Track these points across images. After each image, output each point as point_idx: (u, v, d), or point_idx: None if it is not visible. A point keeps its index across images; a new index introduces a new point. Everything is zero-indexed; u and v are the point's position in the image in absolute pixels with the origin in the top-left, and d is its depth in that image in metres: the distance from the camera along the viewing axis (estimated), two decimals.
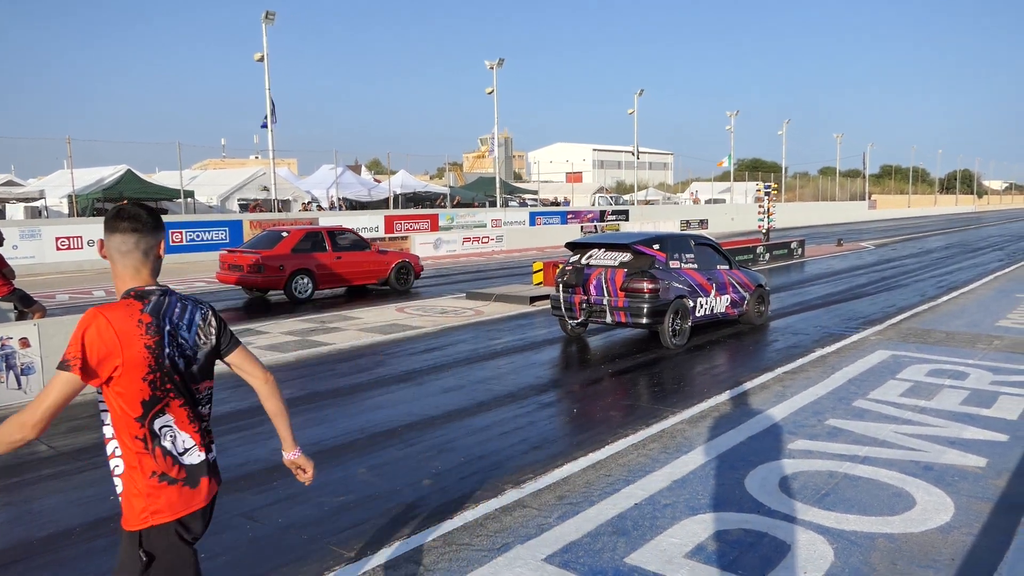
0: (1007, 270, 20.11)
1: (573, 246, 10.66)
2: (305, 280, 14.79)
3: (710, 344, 10.35)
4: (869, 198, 78.09)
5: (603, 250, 10.20)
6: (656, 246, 10.11)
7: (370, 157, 78.40)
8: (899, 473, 5.40)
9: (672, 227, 40.91)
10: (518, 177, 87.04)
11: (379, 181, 42.84)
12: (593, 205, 47.64)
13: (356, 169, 51.40)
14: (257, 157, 52.42)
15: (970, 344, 10.02)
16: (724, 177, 62.36)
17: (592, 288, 9.91)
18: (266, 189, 32.92)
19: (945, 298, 14.61)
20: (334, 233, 15.62)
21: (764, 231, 25.09)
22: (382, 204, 36.35)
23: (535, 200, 48.59)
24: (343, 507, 4.99)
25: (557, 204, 49.27)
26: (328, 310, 13.67)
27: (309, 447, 6.17)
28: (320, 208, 35.34)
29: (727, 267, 11.22)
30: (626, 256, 9.96)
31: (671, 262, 10.12)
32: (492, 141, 38.06)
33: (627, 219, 39.08)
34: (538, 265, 16.54)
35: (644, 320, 9.63)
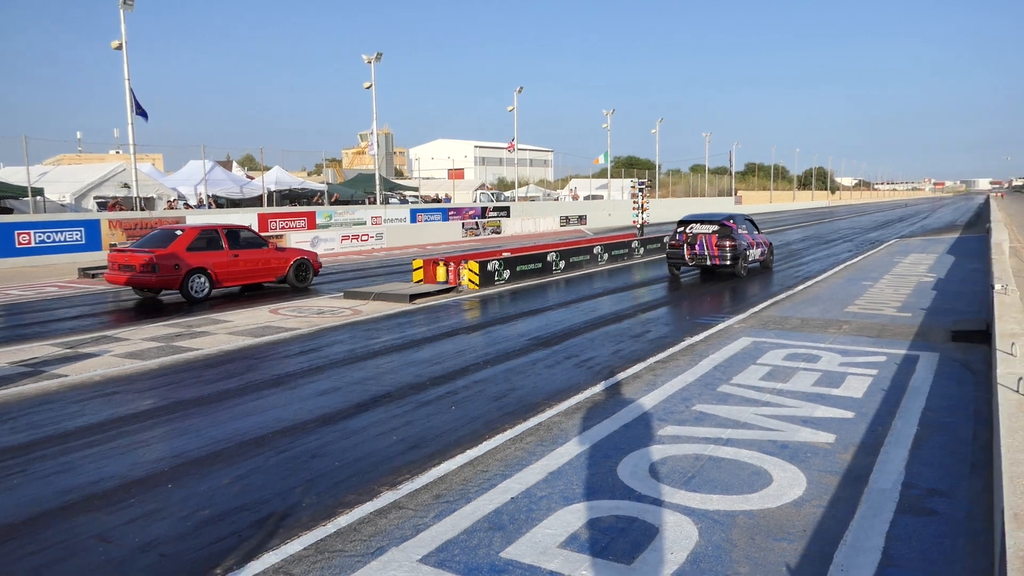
0: (855, 260, 21.77)
1: (682, 223, 17.40)
2: (202, 279, 14.53)
3: (590, 340, 10.60)
4: (735, 194, 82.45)
5: (700, 224, 16.94)
6: (731, 221, 17.00)
7: (242, 153, 75.21)
8: (758, 453, 5.72)
9: (552, 223, 41.67)
10: (399, 174, 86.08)
11: (252, 178, 41.20)
12: (475, 202, 47.76)
13: (227, 165, 49.21)
14: (118, 152, 49.19)
15: (822, 329, 10.77)
16: (602, 174, 64.16)
17: (696, 247, 16.58)
18: (127, 186, 30.94)
19: (801, 287, 15.63)
20: (231, 231, 15.37)
21: (639, 226, 25.96)
22: (255, 202, 34.98)
23: (416, 197, 48.22)
24: (207, 521, 4.75)
25: (438, 201, 49.10)
26: (196, 314, 13.01)
27: (171, 459, 5.85)
28: (188, 206, 33.59)
29: (757, 233, 18.25)
30: (715, 227, 16.67)
31: (739, 230, 16.90)
32: (372, 137, 37.41)
33: (508, 215, 39.43)
34: (418, 263, 16.41)
35: (728, 263, 16.33)
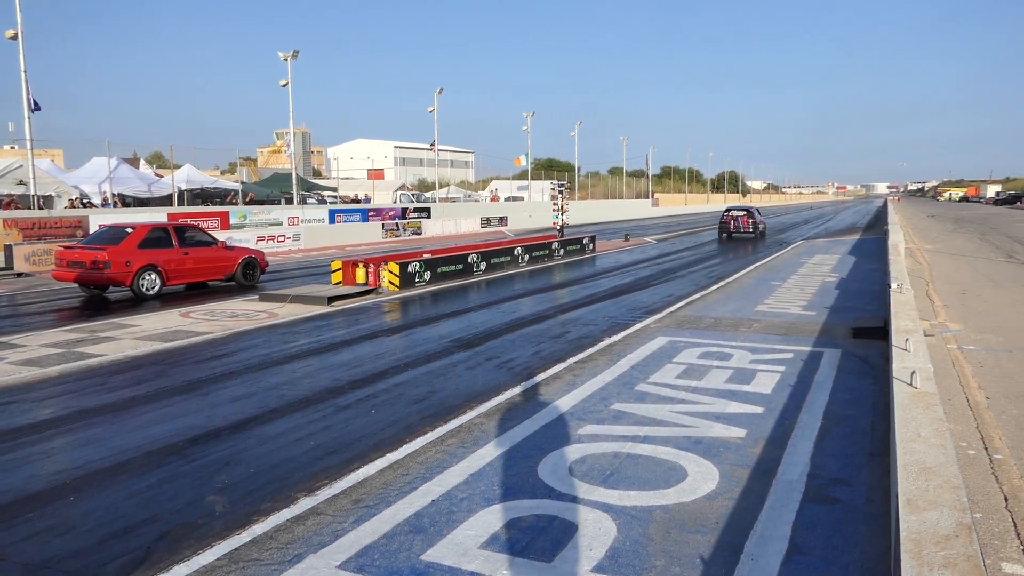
0: (765, 260, 22.64)
1: (727, 210, 33.03)
2: (152, 276, 14.79)
3: (511, 341, 10.66)
4: (652, 196, 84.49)
5: (736, 211, 32.54)
6: (749, 210, 33.25)
7: (151, 150, 72.11)
8: (674, 449, 5.88)
9: (473, 224, 41.71)
10: (317, 173, 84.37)
11: (161, 176, 39.57)
12: (395, 202, 47.30)
13: (134, 162, 47.09)
14: (14, 147, 46.37)
15: (734, 328, 11.16)
16: (523, 176, 64.56)
17: (733, 223, 31.96)
18: (23, 183, 29.21)
19: (714, 287, 16.15)
20: (180, 228, 15.69)
21: (559, 227, 26.27)
22: (165, 201, 33.62)
23: (335, 197, 47.36)
24: (113, 535, 4.54)
25: (358, 201, 48.38)
26: (100, 318, 12.41)
27: (73, 471, 5.57)
28: (91, 205, 31.99)
29: (759, 217, 33.21)
30: (744, 212, 32.34)
31: (755, 212, 33.18)
32: (288, 135, 36.53)
33: (429, 216, 39.22)
34: (337, 264, 16.14)
35: (752, 233, 31.58)
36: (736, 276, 18.32)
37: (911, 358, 6.14)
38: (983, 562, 2.83)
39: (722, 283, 16.90)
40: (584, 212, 55.72)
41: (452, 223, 40.06)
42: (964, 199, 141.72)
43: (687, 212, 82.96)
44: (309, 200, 42.91)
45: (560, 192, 26.57)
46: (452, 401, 7.40)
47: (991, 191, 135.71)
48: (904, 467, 3.75)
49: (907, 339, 6.57)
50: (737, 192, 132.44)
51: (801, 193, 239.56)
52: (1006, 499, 4.88)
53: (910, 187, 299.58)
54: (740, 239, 32.69)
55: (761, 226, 33.94)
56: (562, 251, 23.81)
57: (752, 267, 20.63)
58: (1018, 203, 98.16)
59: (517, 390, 7.74)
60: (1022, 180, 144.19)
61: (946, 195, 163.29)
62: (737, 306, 13.37)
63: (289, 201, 37.34)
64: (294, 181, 36.81)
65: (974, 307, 12.80)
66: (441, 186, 60.21)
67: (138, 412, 7.12)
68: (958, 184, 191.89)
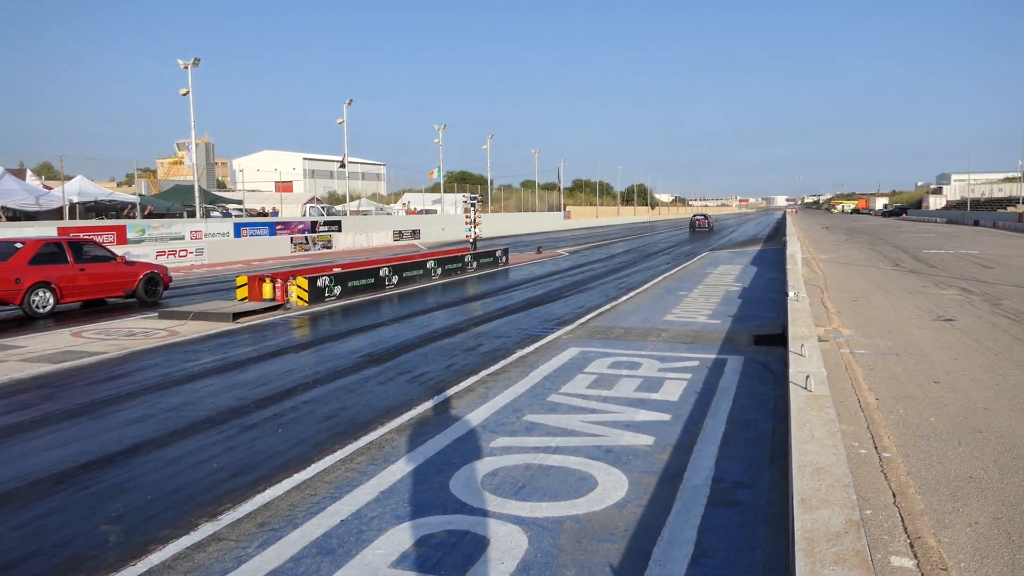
0: (673, 271, 23.34)
1: (695, 215, 59.42)
2: (45, 294, 14.13)
3: (423, 355, 10.58)
4: (564, 209, 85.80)
5: (699, 216, 58.45)
6: (708, 215, 62.87)
7: (39, 160, 68.23)
8: (585, 459, 5.96)
9: (385, 238, 41.29)
10: (221, 185, 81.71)
11: (50, 188, 37.45)
12: (304, 215, 46.31)
13: (20, 173, 44.37)
14: None
15: (643, 338, 11.44)
16: (435, 188, 64.43)
17: (698, 222, 56.54)
18: None
19: (624, 298, 16.52)
20: (75, 243, 15.09)
21: (472, 240, 26.33)
22: (55, 214, 31.81)
23: (240, 210, 45.96)
24: None
25: (265, 215, 47.13)
26: None
27: None
28: None
29: (711, 219, 63.66)
30: (704, 217, 58.34)
31: (709, 216, 61.70)
32: (190, 146, 35.25)
33: (339, 230, 38.59)
34: (243, 279, 15.65)
35: (707, 229, 56.02)
36: (646, 287, 18.79)
37: (806, 363, 6.45)
38: (871, 557, 3.00)
39: (632, 294, 17.30)
40: (497, 225, 56.05)
41: (364, 236, 39.56)
42: (855, 211, 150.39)
43: (598, 224, 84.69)
44: (213, 213, 41.50)
45: (473, 205, 26.64)
46: (363, 417, 7.28)
47: (879, 203, 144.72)
48: (799, 468, 3.93)
49: (802, 345, 6.89)
50: (646, 205, 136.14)
51: (707, 206, 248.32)
52: (894, 495, 5.18)
53: (807, 200, 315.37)
54: (701, 234, 52.66)
55: (711, 224, 59.47)
56: (475, 264, 23.85)
57: (661, 278, 21.21)
58: (904, 215, 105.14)
59: (429, 404, 7.68)
60: (907, 193, 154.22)
61: (839, 207, 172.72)
62: (646, 316, 13.71)
63: (192, 214, 35.99)
64: (196, 193, 35.52)
65: (864, 313, 13.56)
66: (352, 199, 59.40)
67: (23, 438, 6.68)
68: (850, 197, 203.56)
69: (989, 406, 7.32)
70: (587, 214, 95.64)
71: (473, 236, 26.32)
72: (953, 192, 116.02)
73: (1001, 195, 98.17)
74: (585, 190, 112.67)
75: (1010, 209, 70.52)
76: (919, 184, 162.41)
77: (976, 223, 65.23)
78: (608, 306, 15.16)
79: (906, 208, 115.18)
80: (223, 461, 6.07)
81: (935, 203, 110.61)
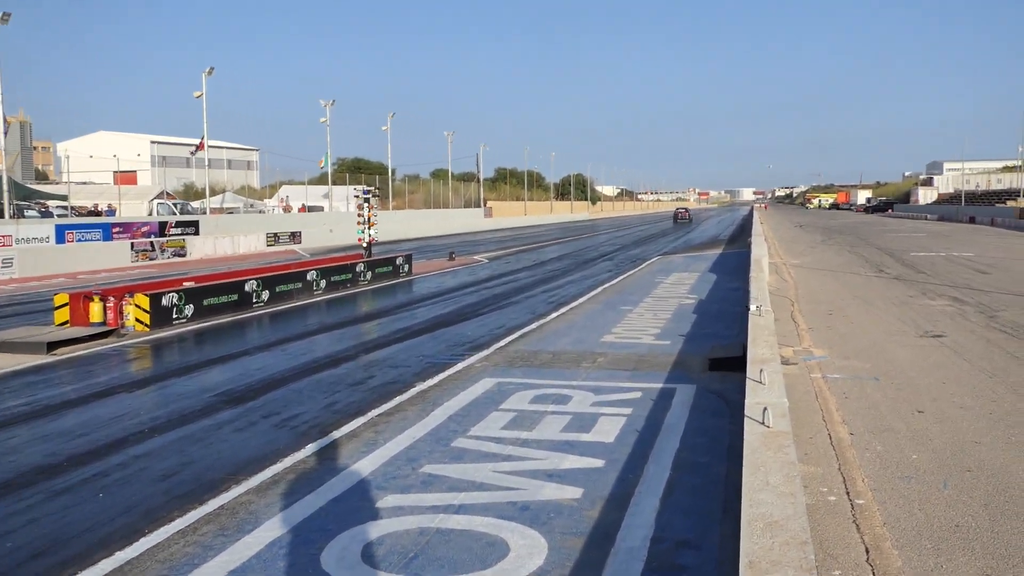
0: (615, 281, 23.69)
1: (677, 209, 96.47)
2: None
3: (297, 391, 10.39)
4: (484, 205, 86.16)
5: (681, 210, 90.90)
6: (688, 208, 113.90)
7: None
8: (495, 519, 5.92)
9: (257, 242, 40.55)
10: (42, 176, 78.71)
11: None
12: (151, 214, 45.01)
13: None
14: None
15: (575, 364, 11.52)
16: (322, 180, 63.70)
17: (679, 215, 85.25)
18: None
19: (555, 314, 16.64)
20: None
21: (366, 245, 26.07)
22: None
23: (65, 208, 44.29)
24: None
25: (99, 214, 45.64)
26: None
27: None
28: None
29: (691, 212, 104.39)
30: (685, 210, 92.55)
31: (688, 210, 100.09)
32: None
33: (197, 232, 37.66)
34: (63, 298, 15.01)
35: (688, 220, 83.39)
36: (581, 300, 18.98)
37: (765, 392, 6.58)
38: None
39: (564, 309, 17.44)
40: (400, 225, 55.82)
41: (228, 241, 38.75)
42: (834, 206, 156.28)
43: (528, 224, 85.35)
44: (28, 212, 39.89)
45: (367, 200, 26.41)
46: (213, 474, 7.05)
47: (862, 197, 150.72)
48: (749, 523, 3.97)
49: (762, 370, 7.04)
50: (585, 199, 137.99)
51: (659, 200, 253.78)
52: (867, 551, 5.32)
53: (778, 192, 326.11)
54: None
55: (691, 217, 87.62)
56: (370, 274, 23.65)
57: (600, 289, 21.48)
58: (889, 210, 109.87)
59: (302, 455, 7.52)
60: (893, 185, 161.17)
61: (815, 202, 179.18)
62: (580, 337, 13.83)
63: None
64: (4, 187, 34.04)
65: (841, 329, 14.03)
66: (214, 193, 58.13)
67: None
68: (828, 189, 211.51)
69: (980, 439, 7.64)
70: (513, 211, 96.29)
71: (368, 239, 26.07)
72: (945, 183, 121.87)
73: (1000, 187, 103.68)
74: (511, 181, 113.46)
75: (1009, 204, 74.49)
76: (907, 175, 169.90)
77: (972, 220, 68.62)
78: (534, 325, 15.22)
79: (892, 202, 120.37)
80: (22, 538, 5.76)
81: (925, 196, 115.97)
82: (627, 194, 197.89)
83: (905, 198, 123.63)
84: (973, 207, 79.57)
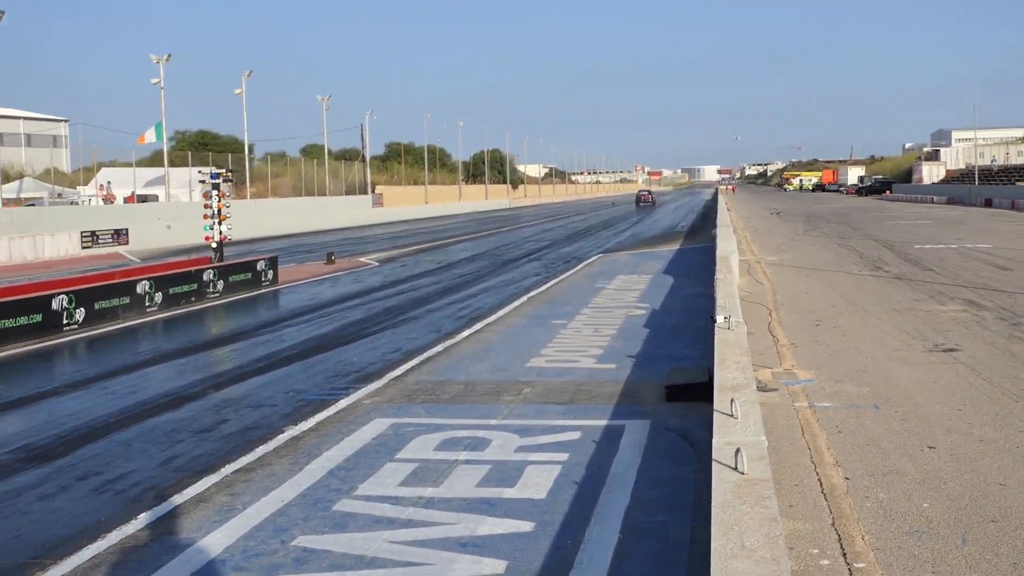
0: (544, 288, 23.82)
1: (640, 191, 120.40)
2: None
3: (125, 444, 10.18)
4: (373, 191, 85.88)
5: (644, 192, 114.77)
6: (652, 191, 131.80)
7: None
8: None
9: (69, 243, 39.62)
10: None
11: None
12: None
13: None
14: None
15: (494, 397, 11.53)
16: (156, 160, 62.57)
17: (642, 197, 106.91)
18: None
19: (467, 333, 16.65)
20: None
21: (215, 245, 25.64)
22: None
23: None
24: None
25: None
26: None
27: None
28: None
29: (655, 193, 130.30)
30: (648, 192, 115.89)
31: (652, 192, 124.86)
32: None
33: None
34: None
35: (652, 204, 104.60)
36: (501, 314, 19.02)
37: (738, 428, 6.66)
38: None
39: (479, 326, 17.45)
40: (262, 218, 55.24)
41: (29, 242, 37.88)
42: (819, 187, 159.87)
43: (430, 215, 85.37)
44: None
45: (217, 187, 25.98)
46: (8, 560, 6.85)
47: (853, 175, 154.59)
48: None
49: (733, 400, 7.13)
50: (504, 182, 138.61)
51: (599, 182, 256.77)
52: None
53: (748, 171, 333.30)
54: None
55: (654, 200, 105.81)
56: (222, 284, 23.31)
57: (525, 298, 21.56)
58: (887, 192, 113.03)
59: (132, 528, 7.37)
60: (891, 160, 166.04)
61: (795, 182, 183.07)
62: (500, 362, 13.85)
63: None
64: None
65: (831, 344, 14.35)
66: (8, 179, 56.58)
67: None
68: (811, 166, 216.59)
69: (1006, 479, 7.87)
70: (411, 198, 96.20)
71: (219, 238, 25.66)
72: (955, 157, 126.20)
73: (1022, 160, 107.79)
74: (407, 160, 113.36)
75: None
76: (908, 147, 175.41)
77: (988, 203, 70.92)
78: (440, 348, 15.20)
79: (890, 182, 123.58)
80: None
81: (930, 174, 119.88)
82: (558, 175, 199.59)
83: (906, 176, 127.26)
84: (989, 187, 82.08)
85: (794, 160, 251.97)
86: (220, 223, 25.74)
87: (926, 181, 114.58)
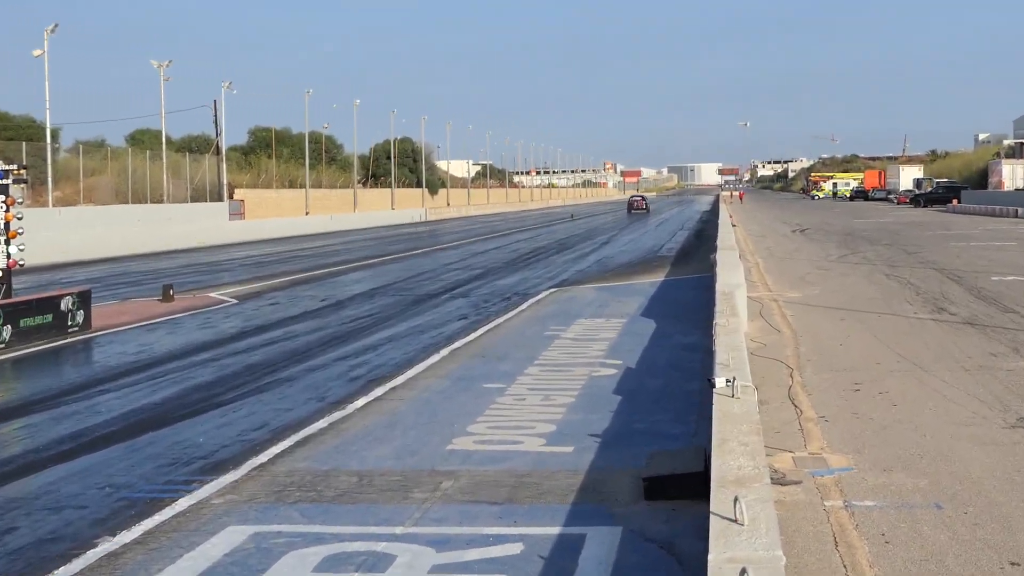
0: (473, 336, 23.74)
1: (632, 197, 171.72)
2: None
3: None
4: (232, 196, 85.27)
5: (636, 198, 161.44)
6: (645, 196, 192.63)
7: None
8: None
9: None
10: None
11: None
12: None
13: None
14: None
15: (401, 494, 11.47)
16: None
17: (635, 203, 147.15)
18: None
19: (363, 401, 16.51)
20: None
21: None
22: None
23: None
24: None
25: None
26: None
27: None
28: None
29: (647, 200, 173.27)
30: (641, 198, 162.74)
31: (646, 197, 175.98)
32: None
33: None
34: None
35: (645, 210, 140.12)
36: (412, 373, 18.92)
37: (744, 539, 6.63)
38: None
39: (381, 390, 17.34)
40: (70, 233, 54.66)
41: None
42: (860, 194, 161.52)
43: (313, 230, 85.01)
44: None
45: (5, 189, 25.68)
46: None
47: (906, 178, 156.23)
48: None
49: (737, 498, 7.09)
50: (419, 185, 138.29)
51: (553, 184, 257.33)
52: None
53: (761, 171, 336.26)
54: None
55: (648, 206, 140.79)
56: (9, 330, 22.96)
57: (447, 350, 21.48)
58: (955, 201, 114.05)
59: None
60: (959, 156, 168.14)
61: (827, 187, 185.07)
62: (410, 443, 13.76)
63: None
64: None
65: (875, 417, 14.38)
66: None
67: None
68: (848, 165, 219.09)
69: None
70: (285, 207, 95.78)
71: (5, 264, 25.33)
72: None
73: None
74: (281, 153, 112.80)
75: None
76: (982, 138, 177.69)
77: None
78: (324, 422, 15.08)
79: (959, 187, 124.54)
80: None
81: (1013, 175, 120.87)
82: (495, 176, 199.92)
83: (980, 180, 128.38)
84: None
85: (825, 157, 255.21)
86: (8, 242, 25.41)
87: (1007, 186, 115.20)
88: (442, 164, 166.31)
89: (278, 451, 13.47)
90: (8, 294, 24.46)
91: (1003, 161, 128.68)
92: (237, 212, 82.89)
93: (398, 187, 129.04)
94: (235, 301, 32.64)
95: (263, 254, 56.79)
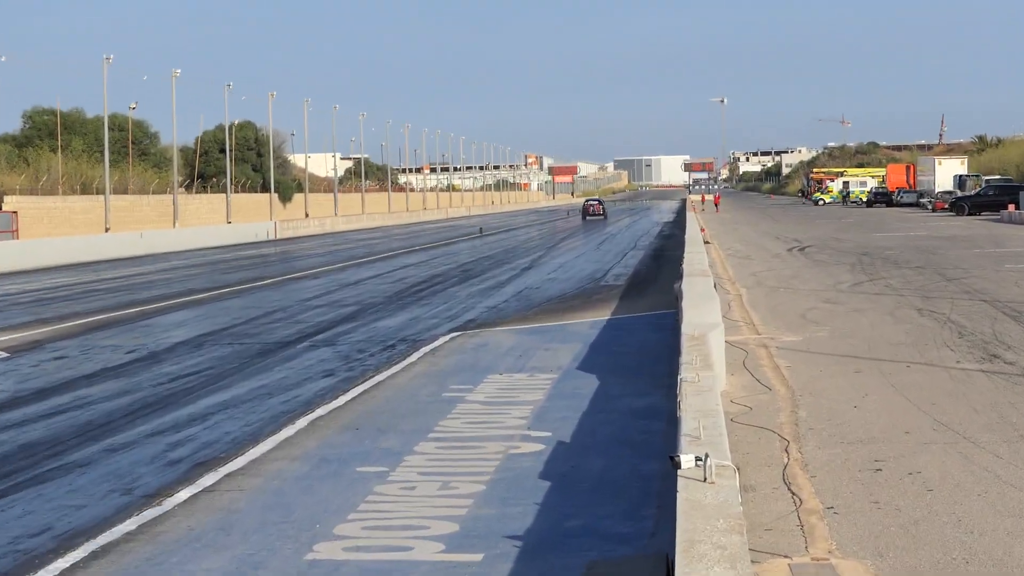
0: (343, 400, 23.68)
1: (587, 200, 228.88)
2: None
3: None
4: (0, 205, 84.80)
5: (592, 202, 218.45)
6: (603, 200, 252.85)
7: None
8: None
9: None
10: None
11: None
12: None
13: None
14: None
15: None
16: None
17: (591, 208, 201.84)
18: None
19: (187, 492, 16.40)
20: None
21: None
22: None
23: None
24: None
25: None
26: None
27: None
28: None
29: (605, 204, 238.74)
30: (597, 202, 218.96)
31: (603, 202, 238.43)
32: None
33: None
34: None
35: (602, 216, 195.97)
36: (256, 453, 18.85)
37: None
38: None
39: (212, 478, 17.24)
40: None
41: None
42: (880, 197, 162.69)
43: (117, 254, 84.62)
44: None
45: None
46: None
47: (944, 176, 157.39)
48: None
49: None
50: (266, 189, 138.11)
51: (455, 186, 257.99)
52: None
53: (744, 165, 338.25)
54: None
55: (605, 211, 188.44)
56: None
57: (305, 421, 21.43)
58: (1011, 206, 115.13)
59: None
60: (1014, 144, 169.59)
61: (834, 187, 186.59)
62: (253, 552, 13.68)
63: None
64: None
65: (903, 507, 14.43)
66: None
67: None
68: (865, 157, 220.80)
69: None
70: (76, 222, 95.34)
71: None
72: None
73: None
74: (71, 144, 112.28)
75: None
76: None
77: None
78: (132, 524, 14.97)
79: (1017, 187, 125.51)
80: None
81: None
82: (375, 175, 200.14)
83: None
84: None
85: (832, 146, 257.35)
86: None
87: None
88: (298, 159, 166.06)
89: (66, 566, 13.33)
90: None
91: None
92: (6, 229, 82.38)
93: (237, 191, 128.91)
94: (5, 355, 32.41)
95: (45, 288, 56.54)
